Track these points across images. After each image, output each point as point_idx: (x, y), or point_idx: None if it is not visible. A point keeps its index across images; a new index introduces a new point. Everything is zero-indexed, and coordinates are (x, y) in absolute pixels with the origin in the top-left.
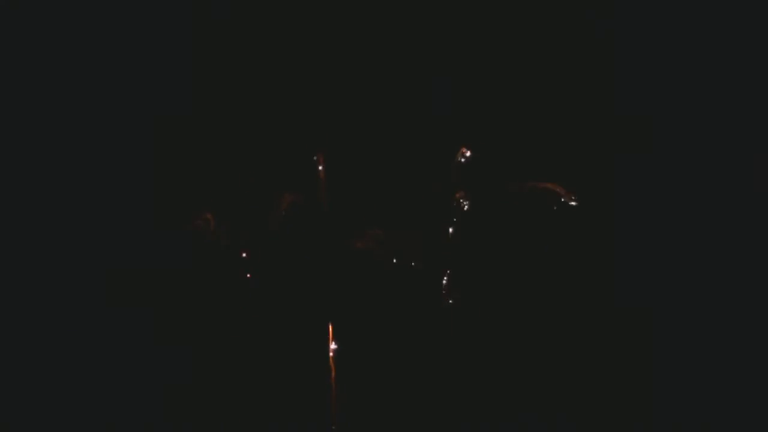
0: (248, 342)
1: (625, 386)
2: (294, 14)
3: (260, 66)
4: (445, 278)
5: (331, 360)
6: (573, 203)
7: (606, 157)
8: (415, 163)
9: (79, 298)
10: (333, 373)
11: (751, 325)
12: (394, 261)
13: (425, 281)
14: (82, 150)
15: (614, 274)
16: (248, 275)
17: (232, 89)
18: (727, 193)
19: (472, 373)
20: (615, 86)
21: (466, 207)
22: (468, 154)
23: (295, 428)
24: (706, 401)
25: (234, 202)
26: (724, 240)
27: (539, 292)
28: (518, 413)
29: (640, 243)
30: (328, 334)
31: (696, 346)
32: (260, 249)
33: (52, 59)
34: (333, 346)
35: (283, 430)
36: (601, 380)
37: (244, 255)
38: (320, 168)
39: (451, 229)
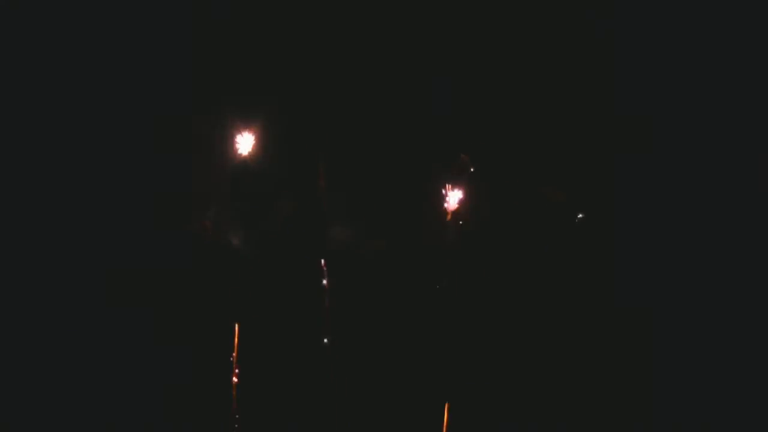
0: (247, 341)
1: (625, 386)
2: (296, 18)
3: (261, 68)
4: (446, 279)
5: (328, 359)
6: (577, 214)
7: (606, 157)
8: (415, 164)
9: (79, 298)
10: (331, 373)
11: (751, 325)
12: (395, 262)
13: (425, 282)
14: (82, 152)
15: (614, 274)
16: (246, 276)
17: (233, 91)
18: (727, 194)
19: (473, 373)
20: (615, 86)
21: (466, 208)
22: (472, 169)
23: (295, 426)
24: (706, 401)
25: (234, 204)
26: (724, 240)
27: (540, 292)
28: (519, 412)
29: (639, 243)
30: (326, 334)
31: (695, 345)
32: (260, 250)
33: (54, 61)
34: (331, 345)
35: (283, 428)
36: (601, 380)
37: (242, 256)
38: (320, 169)
39: (451, 230)
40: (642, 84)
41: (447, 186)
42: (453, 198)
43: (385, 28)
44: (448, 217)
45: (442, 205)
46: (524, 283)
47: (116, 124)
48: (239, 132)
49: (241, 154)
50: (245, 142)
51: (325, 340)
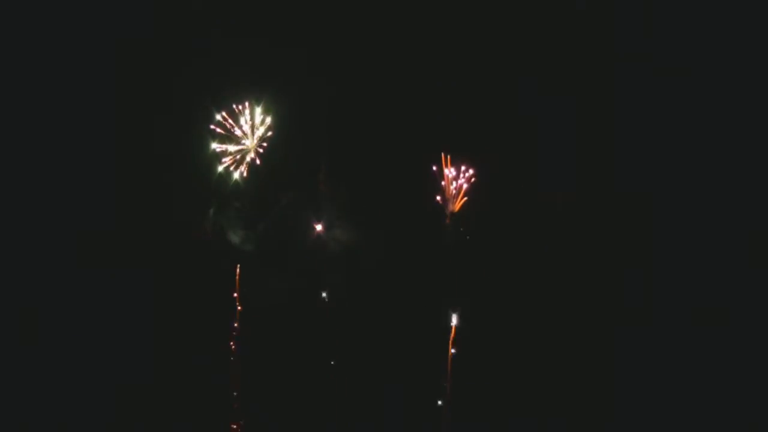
0: (246, 340)
1: (625, 385)
2: (298, 20)
3: (261, 71)
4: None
5: (328, 358)
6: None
7: (606, 157)
8: (416, 166)
9: (81, 297)
10: (333, 371)
11: (751, 325)
12: (395, 263)
13: (426, 281)
14: (85, 154)
15: (614, 274)
16: (246, 275)
17: (233, 93)
18: (727, 194)
19: (473, 373)
20: (615, 87)
21: (466, 209)
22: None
23: (295, 425)
24: (705, 400)
25: (235, 204)
26: (723, 241)
27: (539, 291)
28: (519, 410)
29: (639, 243)
30: (326, 333)
31: (695, 345)
32: (259, 249)
33: (54, 64)
34: (331, 345)
35: (283, 427)
36: (603, 379)
37: (243, 257)
38: (321, 170)
39: (451, 231)
40: (642, 84)
41: (447, 187)
42: (453, 199)
43: (385, 32)
44: (447, 220)
45: (443, 206)
46: (524, 283)
47: (118, 126)
48: (242, 134)
49: (242, 156)
50: (247, 144)
51: (326, 340)
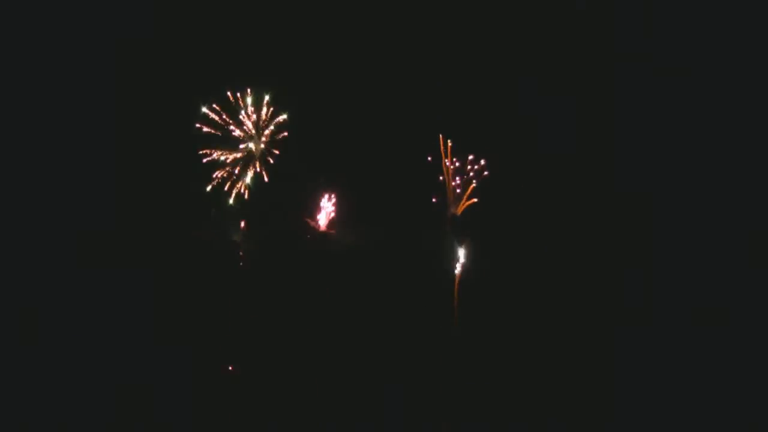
0: (246, 339)
1: (627, 386)
2: (303, 22)
3: (260, 74)
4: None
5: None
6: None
7: (606, 157)
8: (417, 166)
9: (81, 297)
10: (331, 370)
11: (751, 325)
12: (395, 262)
13: (426, 281)
14: (85, 154)
15: (614, 274)
16: (242, 273)
17: (234, 95)
18: (727, 194)
19: (474, 372)
20: (615, 87)
21: (467, 209)
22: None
23: (294, 424)
24: (705, 400)
25: (237, 204)
26: (723, 241)
27: (539, 292)
28: (519, 411)
29: (639, 243)
30: (329, 333)
31: (695, 344)
32: (259, 249)
33: (55, 64)
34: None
35: (282, 426)
36: (603, 380)
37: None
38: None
39: (452, 231)
40: (642, 84)
41: (449, 184)
42: (456, 201)
43: (385, 34)
44: (448, 225)
45: (444, 208)
46: (524, 284)
47: (118, 126)
48: (242, 134)
49: (244, 165)
50: (251, 147)
51: (325, 339)
